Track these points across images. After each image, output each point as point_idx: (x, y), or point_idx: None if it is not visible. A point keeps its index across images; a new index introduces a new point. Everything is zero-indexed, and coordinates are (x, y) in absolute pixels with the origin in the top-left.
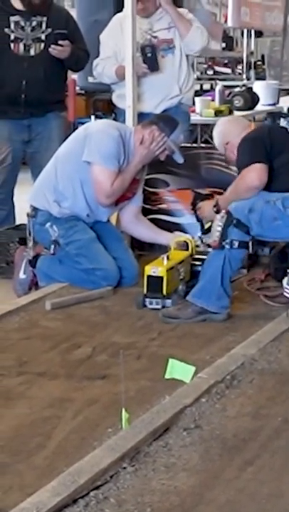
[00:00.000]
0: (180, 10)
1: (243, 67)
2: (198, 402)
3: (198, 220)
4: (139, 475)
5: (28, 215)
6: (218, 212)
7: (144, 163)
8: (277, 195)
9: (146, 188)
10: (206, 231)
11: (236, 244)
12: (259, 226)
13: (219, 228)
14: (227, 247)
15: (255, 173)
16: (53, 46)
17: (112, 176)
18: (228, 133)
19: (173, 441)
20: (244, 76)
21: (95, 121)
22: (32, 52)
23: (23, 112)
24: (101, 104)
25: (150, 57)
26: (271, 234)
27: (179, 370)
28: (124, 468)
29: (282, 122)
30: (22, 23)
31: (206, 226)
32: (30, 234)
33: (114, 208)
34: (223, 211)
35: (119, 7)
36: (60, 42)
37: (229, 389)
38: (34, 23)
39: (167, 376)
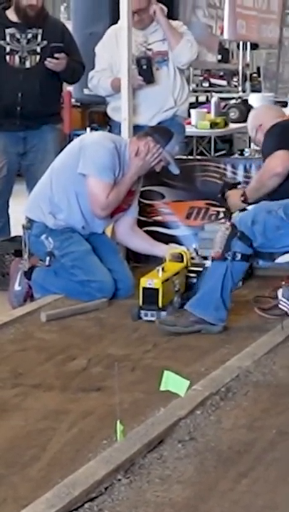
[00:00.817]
0: (174, 22)
1: (238, 80)
2: (192, 414)
3: (226, 208)
4: (133, 487)
5: (23, 226)
6: (245, 201)
7: (140, 175)
8: (278, 204)
9: (142, 199)
10: (229, 217)
11: (239, 256)
12: (263, 237)
13: (222, 240)
14: (229, 258)
15: (279, 160)
16: (48, 59)
17: (107, 188)
18: (263, 116)
19: (168, 453)
20: (240, 88)
21: (90, 133)
22: (27, 64)
23: (18, 124)
24: (96, 116)
25: (146, 69)
26: (276, 244)
27: (173, 382)
28: (119, 480)
29: None
30: (18, 36)
31: (234, 215)
32: (25, 246)
33: (110, 220)
34: (228, 223)
35: (115, 20)
36: (55, 55)
37: (224, 401)
38: (30, 36)
39: (162, 388)
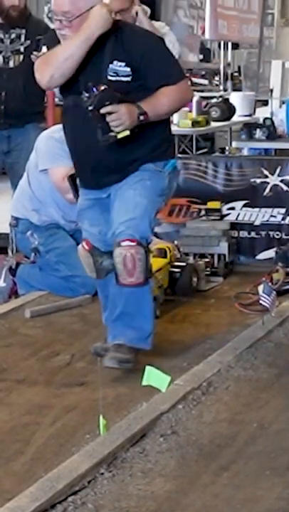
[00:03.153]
0: (157, 23)
1: (220, 79)
2: (174, 409)
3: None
4: (116, 480)
5: (10, 225)
6: (144, 120)
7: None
8: None
9: None
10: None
11: None
12: None
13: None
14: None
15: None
16: (34, 53)
17: (64, 172)
18: None
19: (150, 447)
20: (221, 87)
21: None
22: (11, 64)
23: (2, 122)
24: None
25: None
26: None
27: (155, 378)
28: (102, 473)
29: (258, 133)
30: (1, 36)
31: (122, 135)
32: (12, 243)
33: None
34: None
35: None
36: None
37: (205, 395)
38: (13, 36)
39: (144, 383)
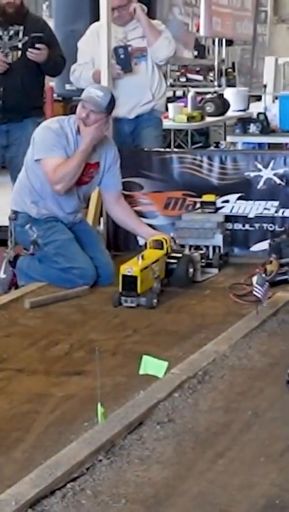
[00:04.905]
0: (154, 21)
1: (214, 75)
2: (171, 397)
3: None
4: (114, 467)
5: (9, 218)
6: None
7: (94, 143)
8: None
9: (122, 191)
10: None
11: None
12: None
13: None
14: None
15: None
16: (30, 50)
17: (55, 164)
18: None
19: (147, 434)
20: (215, 83)
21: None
22: (9, 59)
23: (1, 117)
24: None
25: (123, 58)
26: None
27: (152, 365)
28: (100, 460)
29: (252, 128)
30: (0, 32)
31: None
32: (11, 235)
33: (78, 198)
34: None
35: (95, 18)
36: (36, 45)
37: (201, 384)
38: (11, 32)
39: (141, 372)
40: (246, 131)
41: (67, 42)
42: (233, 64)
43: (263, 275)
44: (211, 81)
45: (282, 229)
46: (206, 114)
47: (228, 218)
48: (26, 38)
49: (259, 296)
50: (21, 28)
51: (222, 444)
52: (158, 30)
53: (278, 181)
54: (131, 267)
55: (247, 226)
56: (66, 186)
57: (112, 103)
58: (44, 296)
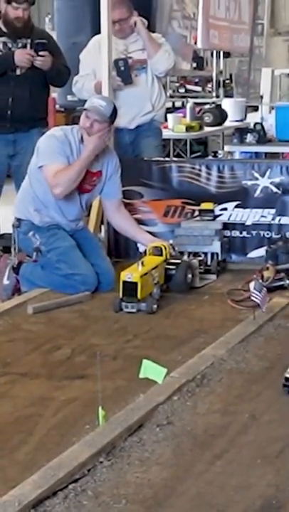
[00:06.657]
0: (154, 35)
1: (212, 86)
2: (170, 400)
3: None
4: (114, 469)
5: (13, 225)
6: None
7: (96, 153)
8: None
9: (123, 199)
10: None
11: None
12: None
13: None
14: None
15: None
16: (34, 57)
17: (57, 169)
18: None
19: (147, 436)
20: (214, 94)
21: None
22: (18, 71)
23: (8, 126)
24: (79, 120)
25: (123, 70)
26: None
27: (152, 370)
28: (101, 462)
29: (249, 137)
30: (9, 45)
31: None
32: (14, 243)
33: (81, 206)
34: None
35: (97, 30)
36: (40, 53)
37: (199, 387)
38: (20, 45)
39: (141, 376)
40: (243, 140)
41: (70, 54)
42: (231, 75)
43: (260, 281)
44: (209, 92)
45: (279, 236)
46: (205, 124)
47: (226, 226)
48: (33, 50)
49: (257, 301)
50: (29, 41)
51: (220, 445)
52: (158, 43)
53: (275, 190)
54: (131, 273)
55: (244, 233)
56: (65, 191)
57: (114, 112)
58: (47, 302)
